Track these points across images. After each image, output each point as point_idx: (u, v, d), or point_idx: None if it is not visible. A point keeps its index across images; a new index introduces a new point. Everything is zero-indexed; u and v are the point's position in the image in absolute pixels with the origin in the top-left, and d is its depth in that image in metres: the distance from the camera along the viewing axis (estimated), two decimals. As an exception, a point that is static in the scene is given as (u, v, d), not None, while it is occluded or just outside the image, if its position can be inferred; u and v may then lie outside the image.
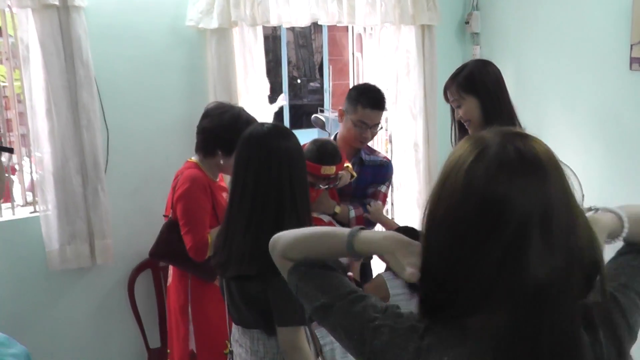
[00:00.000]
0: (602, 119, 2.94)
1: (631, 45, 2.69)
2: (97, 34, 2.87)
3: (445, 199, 0.91)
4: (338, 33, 9.32)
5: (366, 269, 2.85)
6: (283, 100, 3.63)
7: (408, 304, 2.49)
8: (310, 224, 1.76)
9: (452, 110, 2.51)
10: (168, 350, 2.71)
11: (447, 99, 2.48)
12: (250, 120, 2.41)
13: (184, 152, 3.17)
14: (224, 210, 2.24)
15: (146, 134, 3.08)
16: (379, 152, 2.91)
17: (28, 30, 2.71)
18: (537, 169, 0.87)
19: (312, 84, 10.20)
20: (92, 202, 2.87)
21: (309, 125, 7.32)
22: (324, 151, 2.45)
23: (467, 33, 3.91)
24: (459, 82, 2.38)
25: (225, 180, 2.71)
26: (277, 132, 1.78)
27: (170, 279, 2.65)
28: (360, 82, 4.44)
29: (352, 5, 3.39)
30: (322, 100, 9.57)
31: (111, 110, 2.96)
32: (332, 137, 2.83)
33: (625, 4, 2.71)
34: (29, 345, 3.23)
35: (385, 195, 2.83)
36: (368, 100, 2.58)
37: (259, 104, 3.25)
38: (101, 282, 3.06)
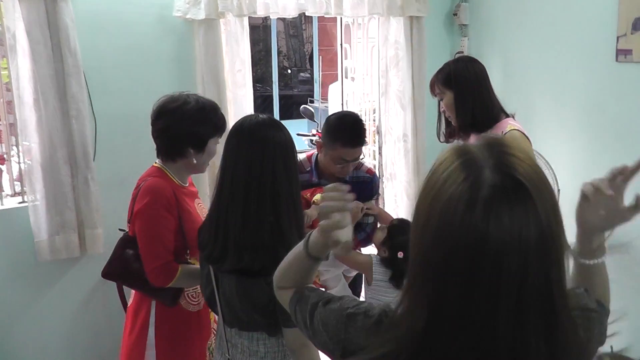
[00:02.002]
0: (588, 109, 2.97)
1: (617, 37, 2.71)
2: (84, 23, 2.86)
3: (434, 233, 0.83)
4: (328, 23, 9.32)
5: (356, 282, 2.91)
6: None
7: (386, 292, 2.54)
8: (302, 214, 1.74)
9: (439, 103, 2.63)
10: None
11: (433, 93, 2.62)
12: (214, 106, 2.18)
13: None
14: (194, 220, 2.11)
15: (133, 123, 3.07)
16: (363, 164, 2.77)
17: (15, 19, 2.70)
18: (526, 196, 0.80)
19: (302, 74, 10.19)
20: (82, 191, 2.88)
21: (299, 115, 7.36)
22: None
23: (455, 25, 3.93)
24: (439, 78, 2.54)
25: (195, 181, 2.47)
26: (270, 123, 1.73)
27: (131, 300, 2.29)
28: (348, 73, 4.48)
29: (340, -4, 3.39)
30: (312, 90, 9.57)
31: (98, 100, 2.96)
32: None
33: (611, -4, 2.74)
34: (19, 336, 3.26)
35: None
36: (347, 139, 2.45)
37: (245, 95, 3.26)
38: (90, 273, 3.06)
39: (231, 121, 3.18)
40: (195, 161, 2.14)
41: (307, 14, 3.40)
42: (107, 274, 2.26)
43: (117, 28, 2.98)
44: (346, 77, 4.48)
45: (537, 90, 3.32)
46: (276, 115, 8.61)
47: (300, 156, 2.60)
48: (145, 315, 2.16)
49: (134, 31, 3.03)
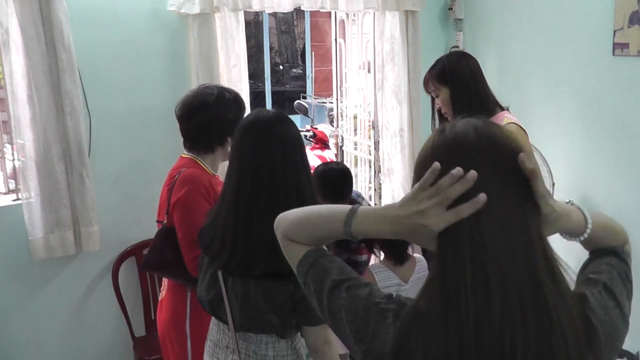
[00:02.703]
0: (584, 103, 2.97)
1: (614, 31, 2.71)
2: (78, 18, 2.83)
3: (415, 172, 0.97)
4: (320, 19, 9.29)
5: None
6: None
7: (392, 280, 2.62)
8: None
9: (432, 99, 2.63)
10: None
11: (427, 90, 2.60)
12: (239, 97, 2.31)
13: (165, 138, 3.17)
14: None
15: (128, 119, 3.05)
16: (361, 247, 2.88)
17: (7, 14, 2.65)
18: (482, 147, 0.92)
19: (294, 70, 10.16)
20: (77, 188, 2.85)
21: (291, 111, 7.34)
22: None
23: (450, 19, 3.92)
24: (433, 74, 2.52)
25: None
26: (282, 119, 1.68)
27: (163, 292, 2.31)
28: (343, 67, 4.46)
29: (336, -9, 3.37)
30: (305, 86, 9.54)
31: (93, 95, 2.93)
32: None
33: (608, -13, 2.74)
34: (15, 336, 3.23)
35: None
36: (333, 193, 2.67)
37: (241, 90, 3.23)
38: (85, 271, 3.04)
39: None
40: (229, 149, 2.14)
41: (302, 8, 3.38)
42: (146, 264, 2.30)
43: (111, 23, 2.95)
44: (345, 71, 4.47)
45: (532, 85, 3.31)
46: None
47: None
48: (182, 306, 2.18)
49: (128, 26, 2.99)
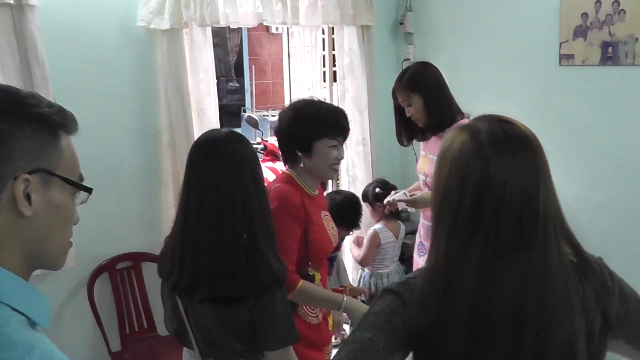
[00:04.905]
0: (532, 110, 3.21)
1: (560, 43, 2.98)
2: (49, 34, 2.81)
3: (448, 180, 1.08)
4: (256, 33, 9.36)
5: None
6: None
7: (394, 250, 3.37)
8: (273, 230, 1.64)
9: (395, 109, 2.76)
10: None
11: (395, 100, 2.72)
12: (327, 107, 2.14)
13: (137, 153, 3.19)
14: (320, 232, 2.06)
15: (99, 135, 3.03)
16: None
17: (-20, 30, 2.62)
18: (524, 146, 1.07)
19: (230, 83, 10.16)
20: (51, 205, 2.81)
21: (231, 125, 7.35)
22: None
23: (400, 33, 4.12)
24: (404, 84, 2.64)
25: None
26: (235, 137, 1.64)
27: None
28: (292, 81, 4.60)
29: (296, 7, 3.49)
30: (242, 100, 9.57)
31: (64, 111, 2.91)
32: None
33: (553, 4, 3.01)
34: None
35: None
36: (346, 222, 2.93)
37: (210, 104, 3.30)
38: (60, 287, 3.00)
39: (197, 131, 3.22)
40: (302, 164, 2.06)
41: (265, 23, 3.49)
42: None
43: (81, 38, 2.94)
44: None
45: (482, 95, 3.53)
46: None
47: None
48: None
49: (98, 42, 3.00)
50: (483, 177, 1.02)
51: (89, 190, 1.00)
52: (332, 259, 3.06)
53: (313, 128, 2.00)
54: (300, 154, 2.03)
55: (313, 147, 2.01)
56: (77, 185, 0.97)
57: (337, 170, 2.16)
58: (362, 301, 2.58)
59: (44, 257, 0.92)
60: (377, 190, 3.28)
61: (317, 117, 2.02)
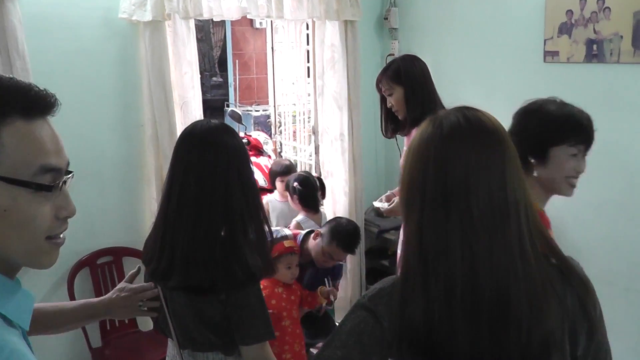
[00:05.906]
0: (517, 108, 3.21)
1: (545, 40, 2.99)
2: (30, 26, 2.76)
3: (412, 165, 1.09)
4: (240, 27, 9.31)
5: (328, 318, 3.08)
6: None
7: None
8: (264, 224, 1.63)
9: (381, 102, 2.79)
10: None
11: (379, 90, 2.75)
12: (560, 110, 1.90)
13: (119, 147, 3.15)
14: None
15: (81, 128, 3.00)
16: None
17: (-43, 21, 2.57)
18: (486, 130, 1.08)
19: (214, 78, 10.08)
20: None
21: (217, 118, 7.29)
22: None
23: (385, 28, 4.12)
24: (388, 74, 2.68)
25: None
26: (223, 129, 1.62)
27: None
28: (276, 76, 4.58)
29: (280, 0, 3.47)
30: (226, 94, 9.51)
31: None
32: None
33: (538, 1, 3.03)
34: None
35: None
36: (344, 244, 2.82)
37: (194, 97, 3.27)
38: (40, 282, 2.95)
39: (180, 125, 3.19)
40: (535, 173, 1.76)
41: (249, 16, 3.47)
42: None
43: (62, 30, 2.90)
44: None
45: (467, 91, 3.55)
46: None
47: (286, 231, 2.87)
48: None
49: (80, 34, 2.96)
50: (442, 156, 1.04)
51: (42, 187, 0.83)
52: (340, 267, 3.10)
53: (551, 134, 1.76)
54: (533, 160, 1.75)
55: (547, 155, 1.75)
56: (24, 183, 0.81)
57: (574, 186, 1.80)
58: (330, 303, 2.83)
59: (13, 260, 0.84)
60: (296, 184, 3.20)
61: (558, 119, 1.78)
